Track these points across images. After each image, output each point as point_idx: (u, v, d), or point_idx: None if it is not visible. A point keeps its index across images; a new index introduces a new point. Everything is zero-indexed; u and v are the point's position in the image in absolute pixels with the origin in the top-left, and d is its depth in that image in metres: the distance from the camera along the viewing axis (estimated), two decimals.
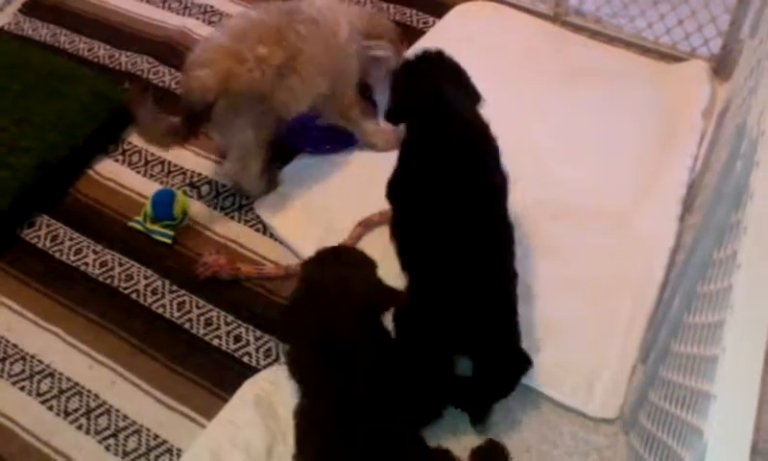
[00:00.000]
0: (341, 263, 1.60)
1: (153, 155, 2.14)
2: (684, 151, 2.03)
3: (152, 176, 2.09)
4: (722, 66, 2.24)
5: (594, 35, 2.42)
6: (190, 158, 2.13)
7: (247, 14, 1.94)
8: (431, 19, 2.50)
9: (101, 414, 1.64)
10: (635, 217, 1.92)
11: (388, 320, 1.59)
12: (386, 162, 1.74)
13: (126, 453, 1.59)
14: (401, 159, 1.72)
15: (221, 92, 1.79)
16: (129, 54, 2.42)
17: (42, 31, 2.52)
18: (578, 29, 2.44)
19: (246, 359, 1.71)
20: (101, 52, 2.44)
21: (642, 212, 1.93)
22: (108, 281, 1.86)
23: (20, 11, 2.60)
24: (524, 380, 1.62)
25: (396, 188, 1.72)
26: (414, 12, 2.54)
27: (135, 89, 2.04)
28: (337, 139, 2.12)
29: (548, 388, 1.65)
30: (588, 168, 2.05)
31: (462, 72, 1.78)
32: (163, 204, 1.95)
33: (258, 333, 1.75)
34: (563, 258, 1.87)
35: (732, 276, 1.01)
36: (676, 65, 2.29)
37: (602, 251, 1.87)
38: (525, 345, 1.67)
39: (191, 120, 1.85)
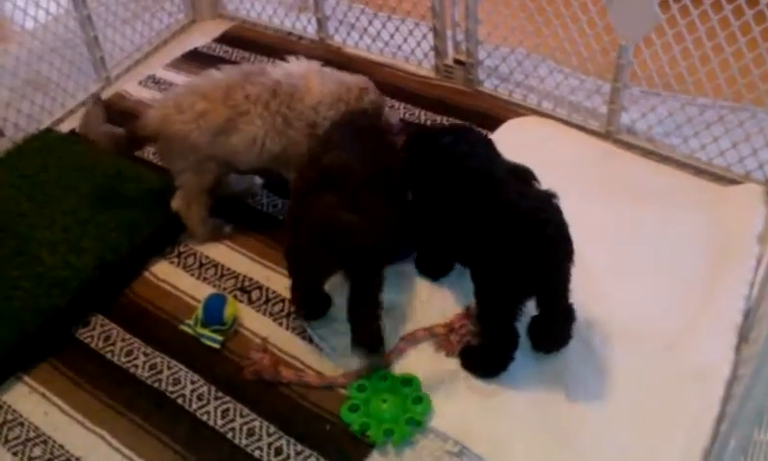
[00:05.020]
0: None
1: (207, 258, 2.20)
2: (740, 277, 1.99)
3: (205, 279, 2.14)
4: None
5: (646, 153, 2.42)
6: (243, 263, 2.18)
7: (211, 73, 2.12)
8: (484, 133, 2.54)
9: None
10: (688, 344, 1.87)
11: None
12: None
13: None
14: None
15: (156, 133, 2.06)
16: None
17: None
18: (630, 147, 2.45)
19: None
20: None
21: (696, 340, 1.87)
22: (156, 385, 1.89)
23: None
24: None
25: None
26: (467, 125, 2.59)
27: (90, 103, 2.24)
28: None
29: None
30: (639, 290, 2.01)
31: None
32: (214, 308, 1.98)
33: (299, 447, 1.74)
34: (612, 381, 1.82)
35: None
36: (730, 188, 2.27)
37: (654, 378, 1.81)
38: None
39: (132, 142, 2.13)
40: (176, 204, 2.17)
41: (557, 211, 1.72)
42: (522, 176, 1.80)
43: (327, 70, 2.19)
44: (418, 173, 1.95)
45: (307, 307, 1.99)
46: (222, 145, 2.06)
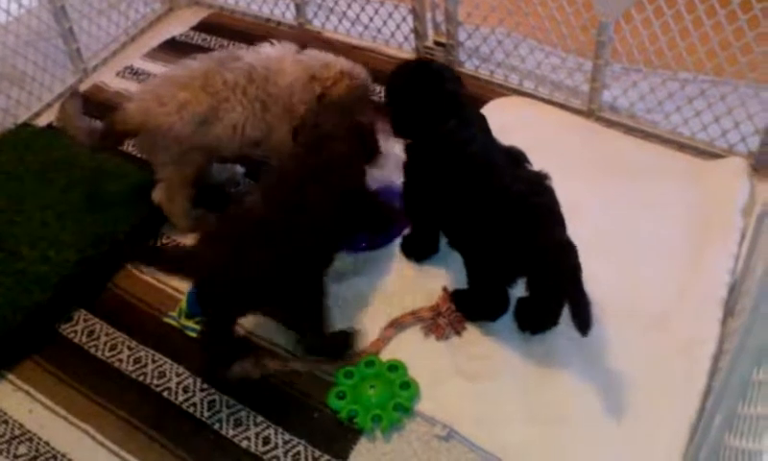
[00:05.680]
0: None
1: None
2: (724, 251, 1.99)
3: None
4: (760, 163, 2.22)
5: (629, 130, 2.42)
6: None
7: (187, 63, 2.08)
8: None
9: None
10: (674, 320, 1.87)
11: None
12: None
13: None
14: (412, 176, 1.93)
15: (138, 127, 2.01)
16: None
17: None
18: (612, 124, 2.44)
19: None
20: None
21: (681, 315, 1.87)
22: (141, 378, 1.87)
23: None
24: None
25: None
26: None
27: (67, 96, 2.20)
28: (374, 237, 2.13)
29: None
30: (623, 266, 2.01)
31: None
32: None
33: (287, 436, 1.73)
34: (600, 360, 1.82)
35: None
36: (713, 162, 2.27)
37: (640, 354, 1.82)
38: (561, 452, 1.64)
39: (111, 138, 2.08)
40: (157, 196, 2.14)
41: (549, 193, 1.72)
42: (516, 158, 1.79)
43: (311, 52, 2.15)
44: (416, 151, 1.93)
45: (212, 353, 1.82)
46: (205, 135, 2.04)
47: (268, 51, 2.12)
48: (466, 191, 1.76)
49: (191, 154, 2.07)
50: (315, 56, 2.15)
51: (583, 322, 1.67)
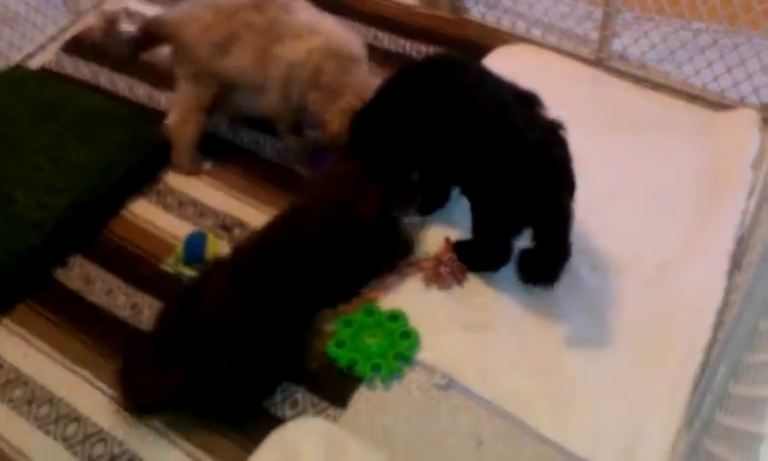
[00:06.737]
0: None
1: (186, 196, 2.14)
2: (733, 204, 1.95)
3: (185, 217, 2.09)
4: None
5: (639, 80, 2.36)
6: (223, 200, 2.12)
7: None
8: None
9: None
10: (680, 272, 1.84)
11: None
12: None
13: None
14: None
15: (167, 36, 2.06)
16: (167, 93, 2.43)
17: (83, 69, 2.56)
18: (622, 74, 2.38)
19: (272, 410, 1.67)
20: (140, 91, 2.46)
21: (688, 267, 1.85)
22: (138, 324, 1.85)
23: (62, 49, 2.65)
24: (560, 441, 1.56)
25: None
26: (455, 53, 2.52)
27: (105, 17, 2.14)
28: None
29: (585, 451, 1.57)
30: (630, 218, 1.98)
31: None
32: (194, 246, 1.94)
33: (284, 385, 1.71)
34: (602, 312, 1.79)
35: None
36: (724, 114, 2.22)
37: (645, 306, 1.79)
38: (561, 402, 1.62)
39: (142, 42, 2.12)
40: (170, 119, 2.15)
41: (563, 144, 1.68)
42: (530, 101, 1.74)
43: (336, 34, 2.01)
44: (417, 106, 1.82)
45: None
46: (219, 63, 2.03)
47: (310, 17, 2.02)
48: (477, 134, 1.70)
49: (207, 77, 2.07)
50: (338, 46, 1.98)
51: (553, 275, 1.72)
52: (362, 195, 1.81)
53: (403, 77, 1.88)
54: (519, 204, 1.70)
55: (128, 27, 2.26)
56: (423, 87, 1.81)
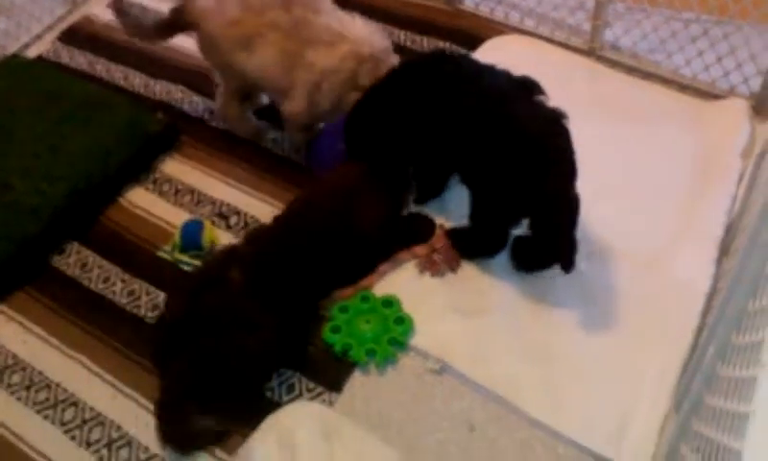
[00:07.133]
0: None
1: (182, 184, 2.15)
2: (722, 192, 1.98)
3: (181, 205, 2.10)
4: (761, 105, 2.19)
5: (630, 70, 2.38)
6: (219, 188, 2.14)
7: None
8: (465, 52, 2.48)
9: (122, 446, 1.63)
10: (670, 259, 1.87)
11: None
12: None
13: None
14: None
15: (193, 25, 2.08)
16: (163, 82, 2.45)
17: (79, 59, 2.57)
18: (614, 64, 2.40)
19: (268, 395, 1.70)
20: (136, 81, 2.48)
21: (678, 254, 1.87)
22: (135, 311, 1.87)
23: (58, 39, 2.66)
24: (551, 424, 1.59)
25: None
26: (447, 44, 2.54)
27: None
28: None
29: (576, 434, 1.60)
30: (621, 207, 2.00)
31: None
32: (191, 233, 1.95)
33: (282, 370, 1.73)
34: (594, 299, 1.82)
35: (766, 329, 0.97)
36: (714, 103, 2.24)
37: (635, 293, 1.82)
38: (553, 387, 1.65)
39: (169, 26, 2.15)
40: (217, 101, 2.24)
41: (566, 136, 1.68)
42: (530, 89, 1.74)
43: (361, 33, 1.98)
44: (415, 99, 1.83)
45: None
46: (243, 59, 2.02)
47: (338, 20, 1.98)
48: (479, 124, 1.70)
49: (232, 70, 2.07)
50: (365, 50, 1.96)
51: (568, 263, 1.71)
52: (364, 209, 1.83)
53: (399, 73, 1.89)
54: (521, 194, 1.70)
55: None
56: (420, 81, 1.83)
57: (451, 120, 1.76)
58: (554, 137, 1.67)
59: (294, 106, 2.03)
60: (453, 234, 1.91)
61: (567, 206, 1.69)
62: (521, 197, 1.71)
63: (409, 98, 1.83)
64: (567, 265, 1.73)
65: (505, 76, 1.78)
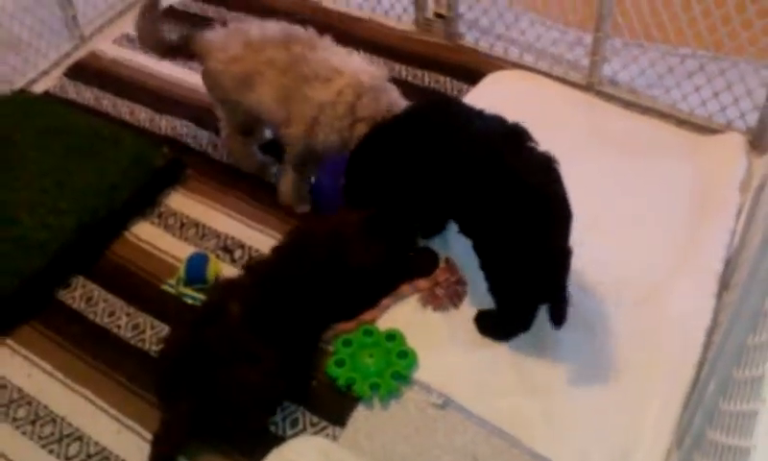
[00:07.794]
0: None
1: (187, 217, 2.18)
2: (721, 226, 2.00)
3: (186, 239, 2.13)
4: (758, 139, 2.22)
5: (628, 105, 2.41)
6: (224, 222, 2.16)
7: (266, 24, 2.09)
8: (465, 87, 2.53)
9: None
10: (669, 293, 1.88)
11: None
12: None
13: None
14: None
15: (197, 57, 2.15)
16: (168, 118, 2.49)
17: (86, 94, 2.61)
18: (612, 99, 2.44)
19: (272, 429, 1.70)
20: (142, 115, 2.51)
21: (677, 288, 1.89)
22: (140, 345, 1.88)
23: (65, 74, 2.70)
24: (553, 458, 1.60)
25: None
26: (448, 79, 2.57)
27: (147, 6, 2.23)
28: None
29: None
30: (620, 240, 2.02)
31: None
32: (196, 267, 1.97)
33: (284, 404, 1.74)
34: (593, 333, 1.83)
35: (767, 364, 0.99)
36: (712, 137, 2.27)
37: (635, 327, 1.83)
38: (555, 421, 1.66)
39: (178, 51, 2.22)
40: (222, 133, 2.29)
41: (561, 182, 1.66)
42: (520, 136, 1.72)
43: (361, 74, 1.98)
44: (409, 156, 1.84)
45: None
46: (244, 95, 2.07)
47: (335, 56, 2.01)
48: (474, 174, 1.69)
49: (234, 105, 2.13)
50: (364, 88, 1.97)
51: (559, 318, 1.69)
52: (356, 248, 1.84)
53: (393, 124, 1.89)
54: (521, 247, 1.66)
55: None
56: (412, 134, 1.83)
57: (447, 172, 1.76)
58: (552, 185, 1.65)
59: (293, 130, 2.04)
60: (480, 319, 1.86)
61: (564, 262, 1.67)
62: (522, 250, 1.66)
63: (405, 149, 1.84)
64: (560, 320, 1.70)
65: (495, 123, 1.77)
